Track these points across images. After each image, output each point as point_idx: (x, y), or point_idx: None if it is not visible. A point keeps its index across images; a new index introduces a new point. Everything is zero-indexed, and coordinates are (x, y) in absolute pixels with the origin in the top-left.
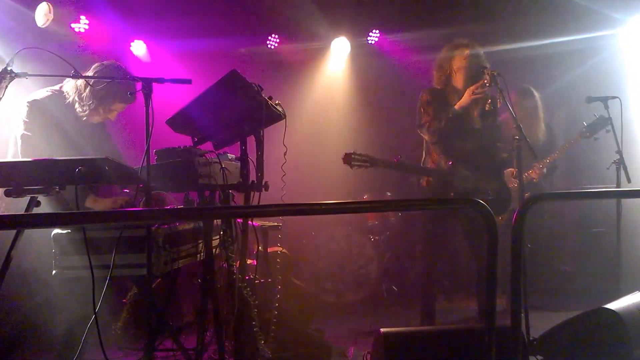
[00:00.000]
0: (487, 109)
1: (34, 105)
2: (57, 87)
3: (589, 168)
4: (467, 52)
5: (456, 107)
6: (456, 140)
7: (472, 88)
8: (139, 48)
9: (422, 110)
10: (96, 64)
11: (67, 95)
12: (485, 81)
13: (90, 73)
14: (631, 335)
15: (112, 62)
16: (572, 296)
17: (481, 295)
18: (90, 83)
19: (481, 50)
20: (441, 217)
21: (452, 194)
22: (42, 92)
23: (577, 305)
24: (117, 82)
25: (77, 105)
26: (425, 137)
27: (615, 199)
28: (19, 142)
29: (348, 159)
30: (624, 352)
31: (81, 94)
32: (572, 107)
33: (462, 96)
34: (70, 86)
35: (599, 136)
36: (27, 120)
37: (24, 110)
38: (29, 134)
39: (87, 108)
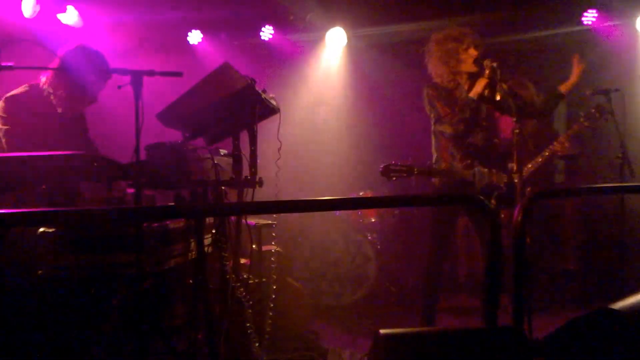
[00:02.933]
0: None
1: (10, 100)
2: (35, 82)
3: (591, 163)
4: (475, 53)
5: (472, 95)
6: (468, 136)
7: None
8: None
9: (436, 105)
10: (67, 49)
11: (42, 89)
12: (486, 74)
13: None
14: (636, 336)
15: (80, 46)
16: (576, 296)
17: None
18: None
19: (482, 44)
20: (445, 215)
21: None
22: (20, 88)
23: (581, 305)
24: (89, 70)
25: (51, 97)
26: (448, 130)
27: (619, 194)
28: (2, 139)
29: (387, 171)
30: (629, 353)
31: (54, 85)
32: (573, 100)
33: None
34: (45, 79)
35: (599, 126)
36: (5, 115)
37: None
38: (7, 127)
39: (60, 99)
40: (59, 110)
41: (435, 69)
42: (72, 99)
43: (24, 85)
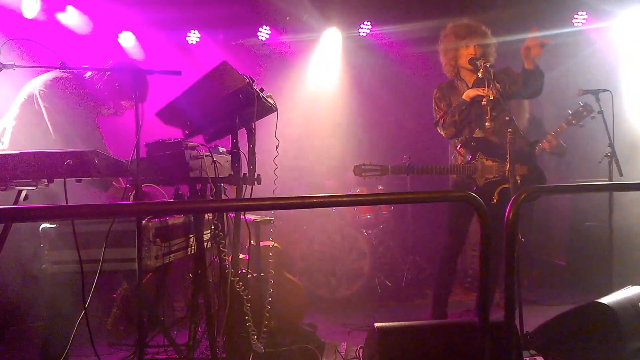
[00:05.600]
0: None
1: (61, 81)
2: (71, 72)
3: (581, 162)
4: (472, 51)
5: (464, 97)
6: (475, 131)
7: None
8: (127, 39)
9: (436, 107)
10: (112, 60)
11: (87, 82)
12: (480, 74)
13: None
14: (624, 330)
15: (125, 60)
16: (565, 290)
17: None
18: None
19: (489, 40)
20: (464, 208)
21: (474, 187)
22: (63, 73)
23: (570, 299)
24: (134, 79)
25: (93, 93)
26: (442, 133)
27: (607, 192)
28: (45, 114)
29: (359, 170)
30: (617, 346)
31: (99, 84)
32: (562, 100)
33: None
34: (90, 74)
35: (586, 125)
36: (49, 93)
37: (48, 84)
38: (63, 101)
39: (102, 99)
40: (94, 108)
41: (441, 58)
42: (109, 101)
43: (56, 71)
